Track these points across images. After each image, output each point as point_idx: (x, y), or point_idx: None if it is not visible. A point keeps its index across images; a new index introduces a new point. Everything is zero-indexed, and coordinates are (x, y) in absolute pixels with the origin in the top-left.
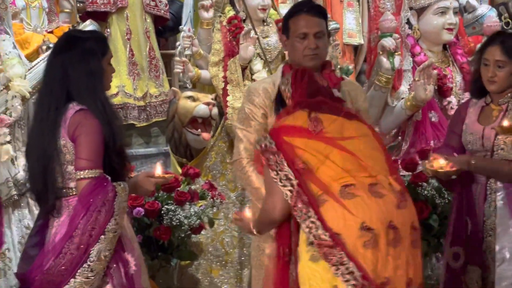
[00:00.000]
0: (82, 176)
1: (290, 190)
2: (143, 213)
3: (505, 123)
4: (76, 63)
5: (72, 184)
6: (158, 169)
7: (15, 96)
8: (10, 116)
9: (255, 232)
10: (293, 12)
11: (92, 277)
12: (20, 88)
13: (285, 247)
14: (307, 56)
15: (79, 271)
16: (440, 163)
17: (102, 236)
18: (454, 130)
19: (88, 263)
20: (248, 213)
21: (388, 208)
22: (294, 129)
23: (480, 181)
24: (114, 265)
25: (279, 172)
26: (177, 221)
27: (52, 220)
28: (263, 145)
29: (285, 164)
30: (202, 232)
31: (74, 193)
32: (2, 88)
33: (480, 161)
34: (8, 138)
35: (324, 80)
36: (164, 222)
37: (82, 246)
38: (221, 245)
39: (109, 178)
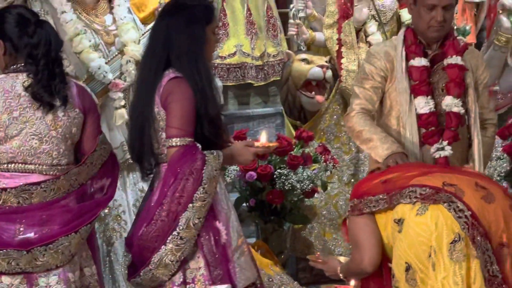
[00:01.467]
0: (171, 144)
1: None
2: (255, 177)
3: None
4: (180, 28)
5: (165, 151)
6: (263, 138)
7: (130, 61)
8: (125, 80)
9: (341, 277)
10: None
11: (183, 245)
12: (134, 53)
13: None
14: (432, 27)
15: (169, 238)
16: None
17: (190, 204)
18: None
19: (178, 230)
20: (333, 260)
21: None
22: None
23: None
24: (204, 234)
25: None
26: (290, 185)
27: (152, 186)
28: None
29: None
30: (316, 196)
31: None
32: (117, 53)
33: None
34: (123, 102)
35: None
36: (277, 186)
37: (171, 214)
38: (334, 208)
39: (200, 146)
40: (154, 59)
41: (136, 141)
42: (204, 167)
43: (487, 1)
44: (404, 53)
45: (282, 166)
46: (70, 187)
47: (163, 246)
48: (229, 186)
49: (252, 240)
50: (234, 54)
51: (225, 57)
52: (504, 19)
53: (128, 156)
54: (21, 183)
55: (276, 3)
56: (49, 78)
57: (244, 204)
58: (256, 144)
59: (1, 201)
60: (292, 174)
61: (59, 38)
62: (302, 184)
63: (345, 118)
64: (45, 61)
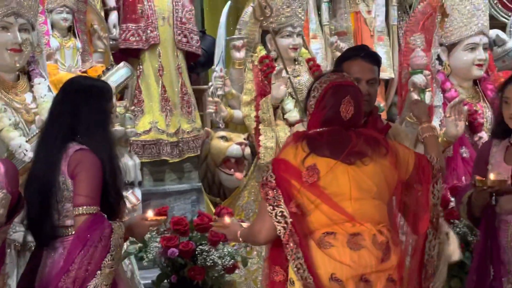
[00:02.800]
0: (80, 212)
1: (284, 227)
2: (177, 253)
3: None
4: (85, 104)
5: (68, 222)
6: (149, 213)
7: None
8: None
9: (240, 240)
10: (349, 56)
11: None
12: None
13: (280, 267)
14: None
15: None
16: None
17: (99, 271)
18: (479, 172)
19: None
20: (227, 220)
21: (362, 262)
22: (292, 170)
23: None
24: None
25: (275, 208)
26: (211, 261)
27: (46, 257)
28: (264, 178)
29: (282, 201)
30: (236, 271)
31: (70, 233)
32: (37, 131)
33: None
34: None
35: (349, 109)
36: (198, 262)
37: (77, 280)
38: (254, 283)
39: (105, 215)
40: (59, 131)
41: (35, 211)
42: (112, 235)
43: (397, 77)
44: None
45: (203, 242)
46: None
47: None
48: (150, 263)
49: None
50: (149, 130)
51: (140, 134)
52: (415, 97)
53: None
54: None
55: (190, 80)
56: None
57: (166, 281)
58: (149, 218)
59: None
60: (213, 251)
61: None
62: (223, 260)
63: None
64: None
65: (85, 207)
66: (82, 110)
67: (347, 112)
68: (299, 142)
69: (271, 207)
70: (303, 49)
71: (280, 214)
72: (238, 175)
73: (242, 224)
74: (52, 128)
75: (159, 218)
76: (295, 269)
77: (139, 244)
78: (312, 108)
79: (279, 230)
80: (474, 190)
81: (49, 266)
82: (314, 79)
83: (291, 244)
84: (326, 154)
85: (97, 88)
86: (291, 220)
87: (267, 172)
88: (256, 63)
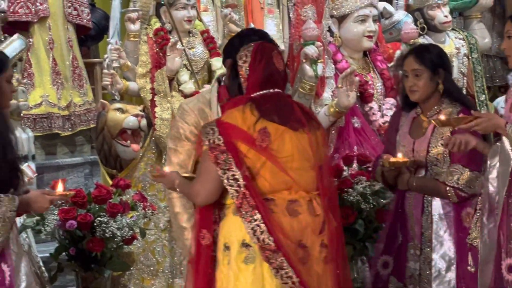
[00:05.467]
0: None
1: (236, 191)
2: (75, 225)
3: (442, 116)
4: None
5: None
6: (60, 187)
7: None
8: None
9: (178, 190)
10: (247, 41)
11: None
12: None
13: (208, 230)
14: None
15: None
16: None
17: None
18: (390, 140)
19: None
20: (166, 169)
21: (300, 228)
22: (241, 133)
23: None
24: None
25: (227, 172)
26: (110, 232)
27: None
28: (211, 141)
29: (233, 165)
30: (133, 242)
31: None
32: None
33: (419, 182)
34: None
35: (280, 62)
36: (97, 234)
37: None
38: (152, 254)
39: None
40: None
41: None
42: None
43: (288, 49)
44: (219, 110)
45: (101, 214)
46: None
47: None
48: (48, 236)
49: None
50: (40, 104)
51: (31, 107)
52: (307, 68)
53: None
54: None
55: (81, 53)
56: None
57: (64, 253)
58: (57, 193)
59: None
60: (112, 222)
61: None
62: (122, 232)
63: None
64: None
65: None
66: None
67: (279, 64)
68: (246, 106)
69: (222, 170)
70: (197, 21)
71: (232, 177)
72: (135, 146)
73: (184, 174)
74: None
75: (67, 193)
76: (251, 231)
77: (37, 217)
78: (247, 71)
79: (232, 193)
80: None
81: None
82: (228, 53)
83: (245, 207)
84: (274, 119)
85: None
86: (244, 183)
87: (212, 134)
88: (151, 35)
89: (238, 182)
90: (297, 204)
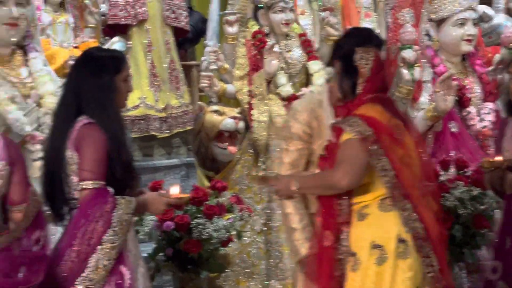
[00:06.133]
0: (83, 187)
1: (388, 181)
2: (173, 226)
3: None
4: (89, 78)
5: (77, 195)
6: (174, 190)
7: (47, 113)
8: (42, 133)
9: (294, 188)
10: (362, 42)
11: (92, 286)
12: (52, 105)
13: (331, 232)
14: None
15: (78, 279)
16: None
17: (99, 246)
18: (496, 147)
19: (87, 272)
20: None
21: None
22: (384, 127)
23: None
24: (107, 276)
25: (379, 162)
26: (207, 234)
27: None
28: (360, 132)
29: (384, 155)
30: (230, 244)
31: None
32: (34, 105)
33: None
34: (41, 154)
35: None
36: (194, 235)
37: (81, 255)
38: (247, 256)
39: (111, 190)
40: (65, 107)
41: (48, 186)
42: (115, 210)
43: (386, 54)
44: (331, 110)
45: (198, 216)
46: (8, 242)
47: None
48: (146, 236)
49: None
50: (138, 106)
51: (129, 109)
52: (404, 72)
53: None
54: None
55: (179, 56)
56: None
57: (161, 254)
58: (170, 195)
59: None
60: (208, 224)
61: None
62: (218, 233)
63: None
64: None
65: (87, 181)
66: (85, 84)
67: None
68: (375, 104)
69: (375, 160)
70: (295, 24)
71: (383, 167)
72: (232, 148)
73: (296, 175)
74: (63, 102)
75: (182, 196)
76: (405, 221)
77: (135, 218)
78: (368, 73)
79: (386, 181)
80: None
81: (61, 238)
82: (339, 53)
83: (397, 197)
84: (397, 117)
85: (100, 60)
86: (394, 172)
87: (358, 126)
88: (248, 38)
89: (389, 172)
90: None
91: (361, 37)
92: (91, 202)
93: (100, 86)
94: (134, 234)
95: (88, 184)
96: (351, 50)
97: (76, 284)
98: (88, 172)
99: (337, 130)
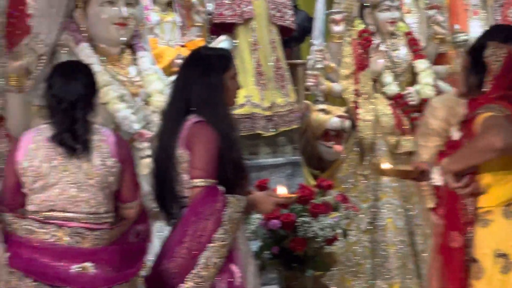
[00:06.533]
0: (194, 185)
1: None
2: (279, 225)
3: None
4: (198, 78)
5: (187, 193)
6: (281, 190)
7: (155, 111)
8: (150, 130)
9: (450, 169)
10: (497, 37)
11: (202, 283)
12: (160, 103)
13: (459, 232)
14: None
15: (189, 276)
16: None
17: (210, 244)
18: None
19: (197, 269)
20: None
21: None
22: None
23: None
24: (218, 274)
25: None
26: (312, 232)
27: (173, 226)
28: (504, 113)
29: None
30: (335, 243)
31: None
32: (143, 104)
33: None
34: (148, 152)
35: None
36: (299, 233)
37: (191, 252)
38: (353, 255)
39: (222, 188)
40: (175, 106)
41: (159, 185)
42: (225, 209)
43: None
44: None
45: (304, 214)
46: (118, 236)
47: (182, 284)
48: (251, 234)
49: None
50: (243, 104)
51: (235, 108)
52: None
53: (153, 205)
54: (76, 225)
55: (284, 54)
56: (72, 122)
57: (267, 252)
58: (278, 194)
59: (56, 237)
60: (314, 222)
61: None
62: (324, 232)
63: None
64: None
65: (199, 179)
66: (195, 82)
67: None
68: (503, 102)
69: None
70: (400, 23)
71: None
72: (338, 147)
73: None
74: (173, 101)
75: (290, 196)
76: None
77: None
78: (497, 70)
79: None
80: None
81: (170, 235)
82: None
83: None
84: None
85: (208, 59)
86: None
87: (500, 108)
88: (354, 37)
89: None
90: None
91: (498, 32)
92: (202, 200)
93: (209, 85)
94: (244, 233)
95: (199, 182)
96: (482, 44)
97: (186, 281)
98: (199, 170)
99: (467, 122)
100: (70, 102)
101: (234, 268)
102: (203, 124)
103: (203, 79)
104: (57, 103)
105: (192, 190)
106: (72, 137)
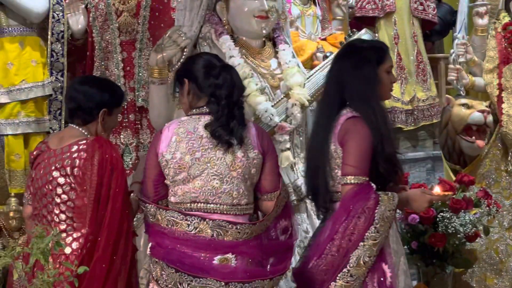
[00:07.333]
0: (346, 182)
1: None
2: (418, 220)
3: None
4: (351, 70)
5: (340, 189)
6: (437, 188)
7: (295, 104)
8: (290, 123)
9: None
10: None
11: (352, 282)
12: (300, 96)
13: None
14: None
15: (339, 274)
16: None
17: (361, 243)
18: None
19: (348, 267)
20: None
21: None
22: None
23: None
24: (370, 274)
25: None
26: (453, 228)
27: (324, 222)
28: None
29: None
30: (476, 240)
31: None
32: (282, 96)
33: None
34: (288, 145)
35: None
36: (439, 229)
37: (341, 249)
38: (495, 253)
39: (374, 186)
40: (329, 100)
41: (312, 178)
42: (377, 207)
43: None
44: None
45: (444, 209)
46: (260, 231)
47: (332, 282)
48: None
49: (413, 283)
50: None
51: None
52: None
53: (293, 197)
54: (219, 218)
55: (426, 48)
56: (229, 118)
57: (406, 247)
58: (435, 193)
59: (198, 229)
60: (455, 218)
61: (241, 83)
62: (465, 228)
63: None
64: (227, 101)
65: (351, 176)
66: (348, 75)
67: None
68: None
69: None
70: None
71: None
72: (480, 142)
73: None
74: (326, 94)
75: (446, 193)
76: None
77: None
78: None
79: None
80: None
81: (321, 231)
82: None
83: None
84: None
85: (362, 52)
86: None
87: None
88: (499, 30)
89: None
90: None
91: None
92: (354, 197)
93: (363, 78)
94: (396, 230)
95: (352, 179)
96: None
97: (337, 279)
98: (352, 167)
99: None
100: (235, 98)
101: (385, 267)
102: (356, 119)
103: (356, 71)
104: (220, 95)
105: (344, 187)
106: (227, 132)
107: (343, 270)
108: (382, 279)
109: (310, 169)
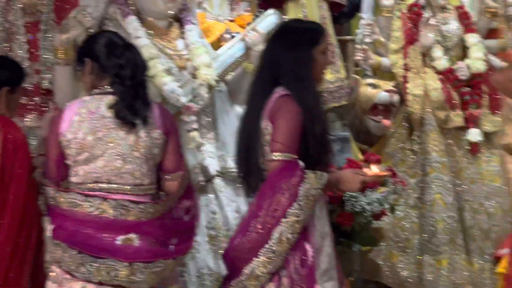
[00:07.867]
0: (273, 158)
1: None
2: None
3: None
4: (286, 50)
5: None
6: (374, 168)
7: (202, 85)
8: (197, 104)
9: None
10: None
11: (274, 258)
12: (207, 76)
13: None
14: None
15: (262, 250)
16: None
17: (284, 219)
18: None
19: (270, 243)
20: None
21: None
22: None
23: None
24: (292, 251)
25: None
26: (360, 207)
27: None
28: None
29: None
30: (383, 218)
31: None
32: (190, 77)
33: None
34: (195, 125)
35: None
36: (347, 208)
37: (266, 226)
38: (401, 231)
39: (302, 164)
40: (262, 79)
41: (243, 157)
42: (302, 184)
43: None
44: None
45: None
46: (163, 211)
47: (255, 258)
48: None
49: None
50: None
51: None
52: None
53: (200, 178)
54: (121, 198)
55: (334, 31)
56: (133, 98)
57: None
58: (370, 173)
59: (100, 210)
60: (362, 197)
61: (145, 62)
62: (372, 207)
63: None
64: (131, 82)
65: (278, 153)
66: (283, 55)
67: None
68: None
69: None
70: None
71: None
72: (386, 122)
73: None
74: (260, 72)
75: (380, 174)
76: None
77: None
78: None
79: None
80: None
81: (248, 209)
82: None
83: None
84: None
85: (297, 32)
86: None
87: None
88: (404, 10)
89: None
90: None
91: None
92: (279, 174)
93: (297, 58)
94: (323, 211)
95: (278, 156)
96: None
97: (259, 255)
98: (280, 143)
99: None
100: (139, 77)
101: (307, 246)
102: (288, 98)
103: (291, 51)
104: (123, 75)
105: (271, 164)
106: (131, 112)
107: (265, 246)
108: (304, 257)
109: (241, 148)
